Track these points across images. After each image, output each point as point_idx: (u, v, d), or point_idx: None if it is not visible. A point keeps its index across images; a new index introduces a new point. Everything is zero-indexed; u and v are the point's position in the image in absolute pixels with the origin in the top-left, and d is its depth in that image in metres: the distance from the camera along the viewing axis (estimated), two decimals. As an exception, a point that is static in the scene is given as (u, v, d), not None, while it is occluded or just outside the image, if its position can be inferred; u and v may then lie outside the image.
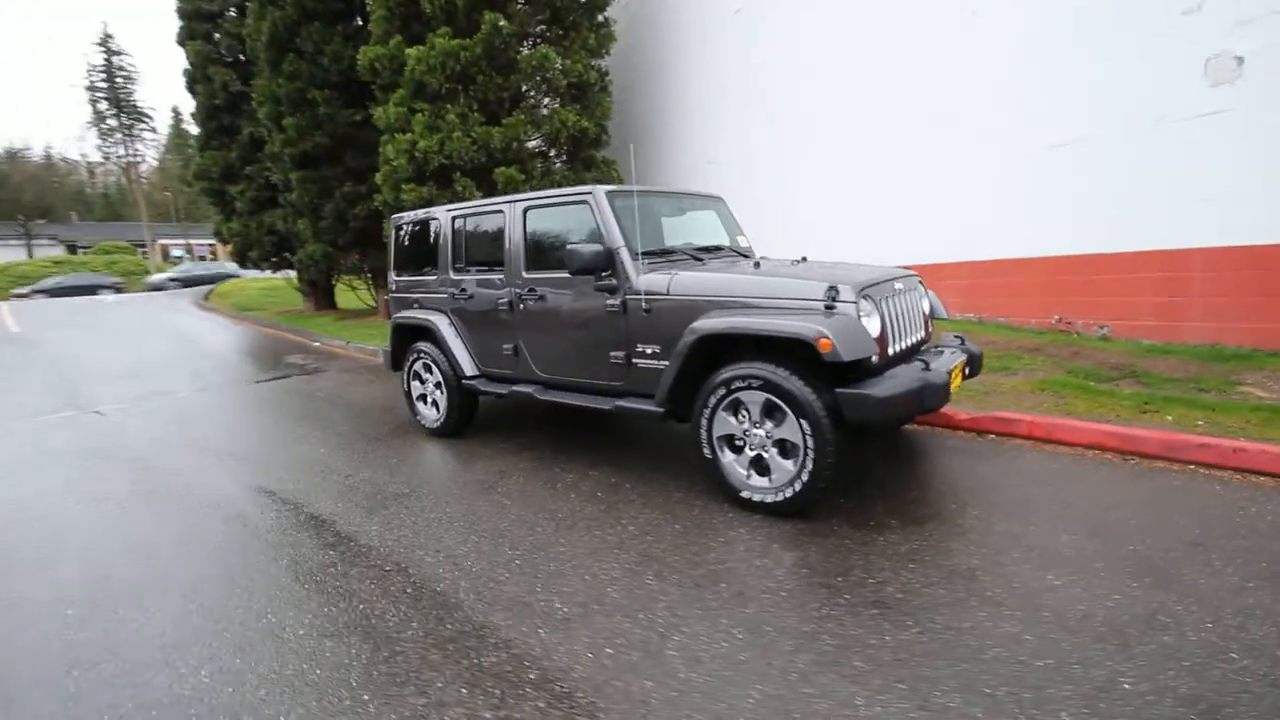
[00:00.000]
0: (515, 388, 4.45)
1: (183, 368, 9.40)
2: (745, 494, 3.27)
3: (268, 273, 17.55)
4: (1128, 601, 2.33)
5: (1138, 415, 4.21)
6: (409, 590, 2.72)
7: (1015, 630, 2.19)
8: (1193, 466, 3.56)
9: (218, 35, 15.78)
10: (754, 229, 5.58)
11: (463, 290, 4.76)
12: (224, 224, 16.44)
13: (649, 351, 3.72)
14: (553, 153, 10.68)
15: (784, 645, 2.19)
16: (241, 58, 15.57)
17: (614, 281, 3.78)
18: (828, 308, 3.10)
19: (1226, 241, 5.07)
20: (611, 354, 3.89)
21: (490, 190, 10.47)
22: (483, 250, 4.69)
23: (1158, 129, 5.38)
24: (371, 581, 2.81)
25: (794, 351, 3.14)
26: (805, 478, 3.04)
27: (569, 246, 3.77)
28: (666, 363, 3.62)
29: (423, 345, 5.07)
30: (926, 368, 3.19)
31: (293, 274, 16.47)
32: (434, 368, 5.00)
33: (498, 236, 4.52)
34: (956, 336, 4.07)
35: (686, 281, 3.57)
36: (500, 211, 4.49)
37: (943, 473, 3.74)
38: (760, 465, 3.27)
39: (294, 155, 12.64)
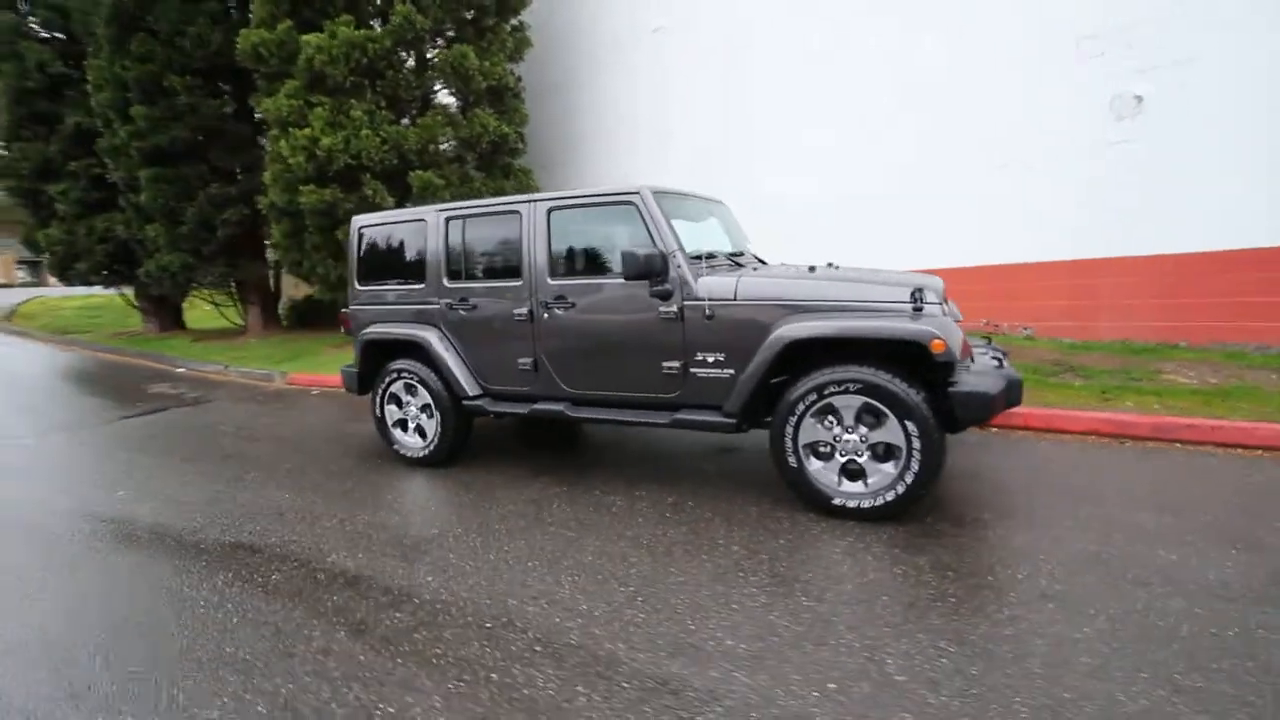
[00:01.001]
0: (537, 406, 4.02)
1: (11, 407, 7.51)
2: (838, 501, 3.19)
3: (90, 288, 14.68)
4: (1243, 566, 2.55)
5: (1104, 402, 4.75)
6: (537, 648, 2.28)
7: (1183, 606, 2.30)
8: (1179, 444, 4.07)
9: (28, 4, 13.01)
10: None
11: (463, 300, 4.22)
12: (39, 230, 13.42)
13: (711, 360, 3.52)
14: (469, 158, 10.02)
15: (1042, 649, 2.11)
16: (62, 35, 12.97)
17: (668, 287, 3.55)
18: (916, 310, 3.13)
19: (1133, 252, 5.95)
20: (664, 364, 3.63)
21: (404, 196, 9.61)
22: (489, 256, 4.20)
23: (1074, 154, 6.21)
24: (481, 643, 2.32)
25: (887, 354, 3.13)
26: (909, 480, 3.02)
27: (625, 250, 3.47)
28: (731, 370, 3.46)
29: (404, 364, 4.43)
30: (1001, 364, 3.32)
31: (129, 290, 13.91)
32: (420, 388, 4.39)
33: (511, 240, 4.07)
34: (982, 338, 4.31)
35: (756, 286, 3.43)
36: (515, 213, 4.04)
37: (984, 467, 3.91)
38: (850, 471, 3.21)
39: (144, 150, 10.72)
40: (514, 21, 10.39)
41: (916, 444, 2.98)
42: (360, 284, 4.73)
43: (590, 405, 3.91)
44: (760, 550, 2.95)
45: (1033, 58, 6.42)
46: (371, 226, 4.69)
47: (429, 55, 9.85)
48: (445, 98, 10.46)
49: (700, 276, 3.52)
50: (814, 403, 3.16)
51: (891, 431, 3.05)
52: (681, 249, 3.55)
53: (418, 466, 4.50)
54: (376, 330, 4.54)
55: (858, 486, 3.18)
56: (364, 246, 4.71)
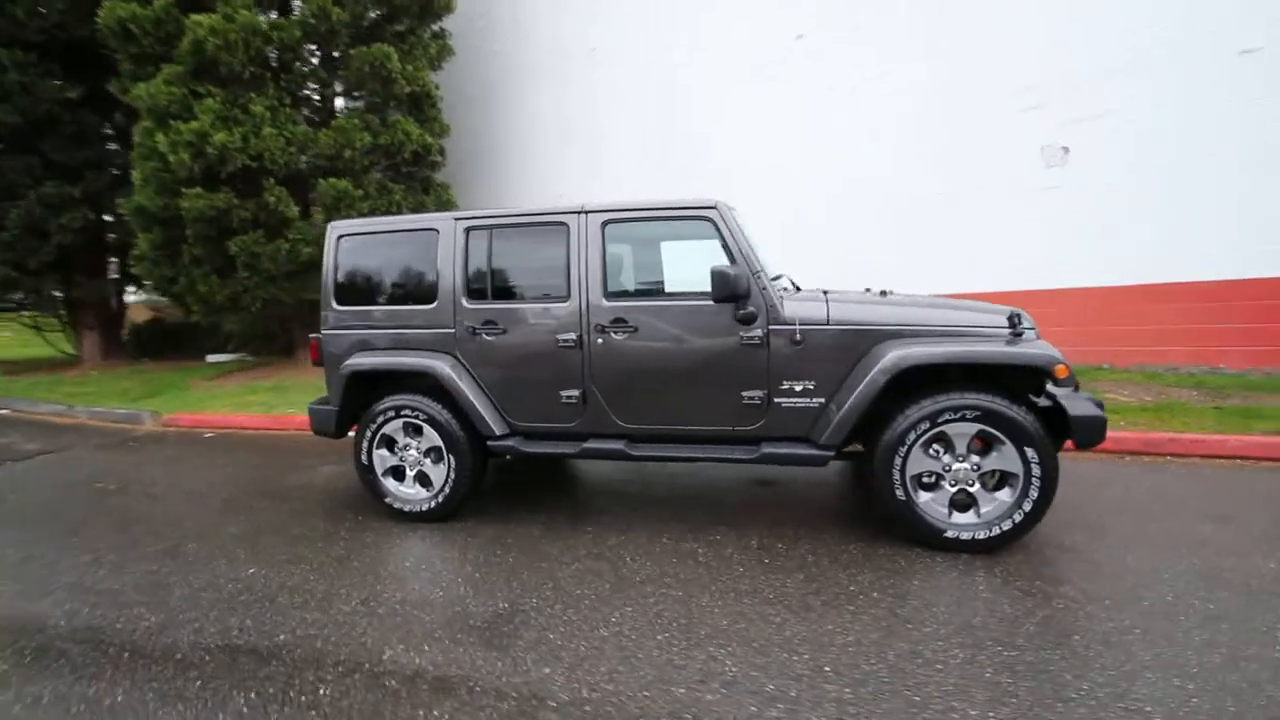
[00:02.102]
0: (588, 445, 3.50)
1: None
2: (951, 534, 3.04)
3: None
4: (1337, 573, 2.76)
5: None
6: (760, 750, 1.84)
7: (1334, 619, 2.41)
8: (1168, 457, 4.47)
9: None
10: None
11: (488, 324, 3.61)
12: None
13: (799, 389, 3.27)
14: (385, 167, 9.07)
15: None
16: None
17: (753, 309, 3.26)
18: (1016, 334, 3.12)
19: (1062, 284, 6.64)
20: (745, 394, 3.31)
21: (311, 206, 8.43)
22: (525, 273, 3.64)
23: (1009, 194, 6.85)
24: (683, 754, 1.84)
25: (995, 379, 3.08)
26: (1027, 508, 2.95)
27: (717, 268, 3.14)
28: (820, 399, 3.24)
29: (406, 400, 3.69)
30: (1076, 390, 3.41)
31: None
32: (427, 428, 3.67)
33: (554, 256, 3.55)
34: None
35: (849, 310, 3.25)
36: (561, 225, 3.53)
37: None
38: (956, 502, 3.10)
39: (-54, 134, 8.48)
40: (435, 28, 9.69)
41: (1036, 471, 2.93)
42: (339, 304, 3.90)
43: (651, 442, 3.49)
44: (904, 593, 2.71)
45: (976, 107, 7.05)
46: (357, 236, 3.91)
47: (335, 54, 8.81)
48: (350, 102, 9.43)
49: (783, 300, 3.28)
50: (926, 431, 3.02)
51: (1007, 459, 2.97)
52: (764, 269, 3.30)
53: (416, 522, 3.75)
54: (367, 360, 3.75)
55: (969, 517, 3.07)
56: (345, 259, 3.91)
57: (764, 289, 3.26)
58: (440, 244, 3.70)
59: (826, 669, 2.21)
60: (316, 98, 8.79)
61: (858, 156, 7.76)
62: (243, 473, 5.10)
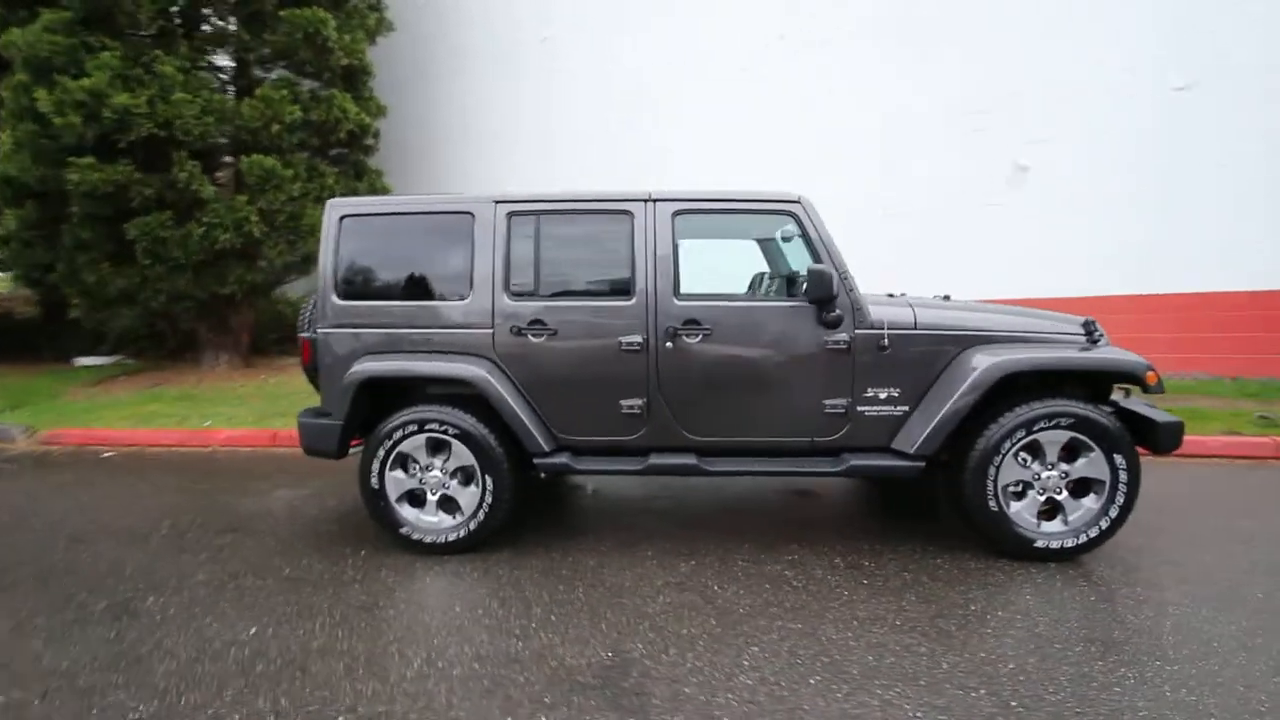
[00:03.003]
0: (654, 461, 3.13)
1: None
2: (1041, 543, 2.98)
3: None
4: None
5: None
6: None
7: None
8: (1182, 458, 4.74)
9: None
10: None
11: (535, 324, 3.14)
12: None
13: (884, 396, 3.10)
14: (315, 146, 8.08)
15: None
16: None
17: (840, 313, 3.05)
18: (1093, 340, 3.12)
19: (1023, 295, 7.06)
20: (827, 402, 3.10)
21: (232, 184, 7.31)
22: (580, 267, 3.21)
23: (977, 209, 7.20)
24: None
25: (1055, 384, 3.07)
26: (1114, 514, 2.95)
27: (814, 267, 2.90)
28: (905, 407, 3.10)
29: (429, 412, 3.13)
30: (1127, 395, 3.49)
31: None
32: (456, 444, 3.14)
33: (616, 248, 3.15)
34: None
35: (935, 315, 3.12)
36: (624, 213, 3.13)
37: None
38: (1045, 510, 3.05)
39: None
40: (375, -1, 8.79)
41: (1123, 477, 2.93)
42: (341, 298, 3.26)
43: (723, 454, 3.18)
44: (1025, 609, 2.58)
45: (934, 126, 7.36)
46: (365, 217, 3.29)
47: (260, 14, 7.73)
48: (277, 72, 8.33)
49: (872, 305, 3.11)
50: (1021, 439, 2.95)
51: (1095, 465, 2.95)
52: (848, 270, 3.11)
53: (436, 554, 3.20)
54: (388, 365, 3.15)
55: (1057, 525, 3.02)
56: (349, 244, 3.28)
57: (851, 290, 3.06)
58: (476, 230, 3.18)
59: (1014, 704, 2.02)
60: (234, 63, 7.65)
61: (820, 168, 7.88)
62: (177, 501, 4.20)
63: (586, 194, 3.19)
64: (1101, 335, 3.16)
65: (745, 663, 2.27)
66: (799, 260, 3.68)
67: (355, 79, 8.37)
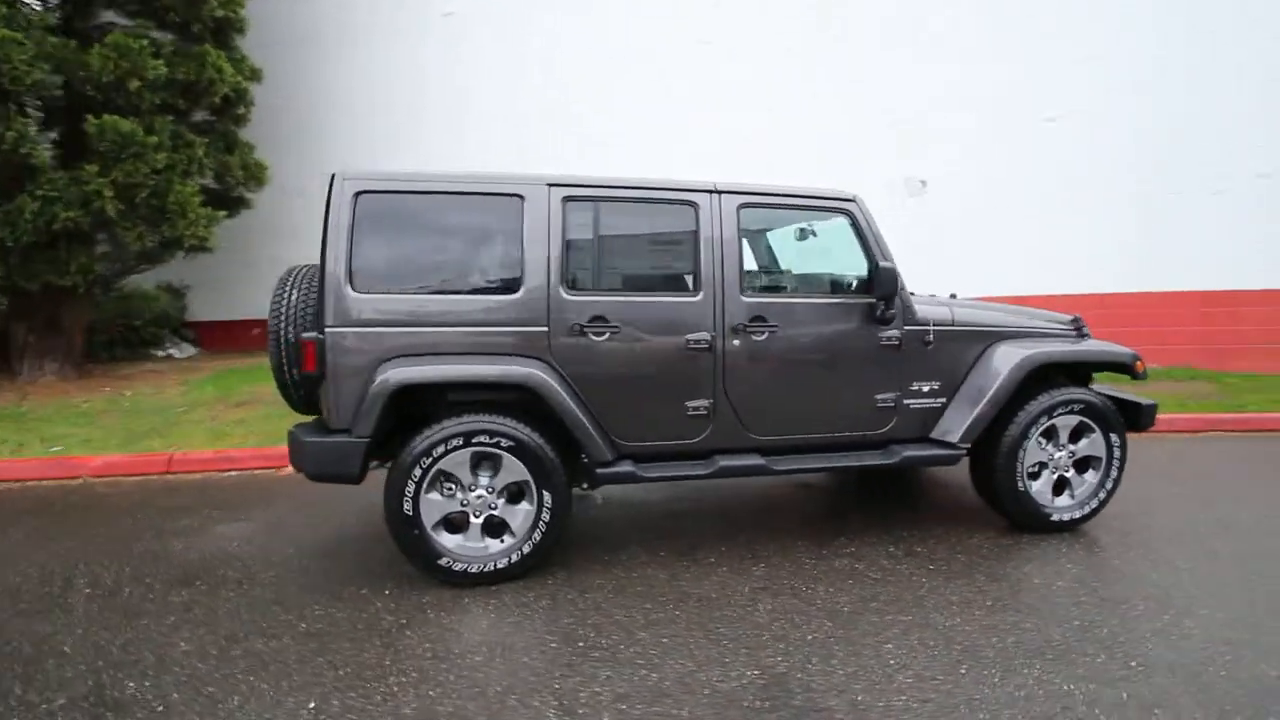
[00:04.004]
0: (725, 463, 3.00)
1: None
2: (1056, 517, 3.32)
3: None
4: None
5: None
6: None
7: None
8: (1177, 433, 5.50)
9: None
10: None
11: (596, 321, 2.85)
12: None
13: (926, 389, 3.26)
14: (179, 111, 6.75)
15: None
16: None
17: (894, 310, 3.15)
18: (1081, 335, 3.55)
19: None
20: (879, 396, 3.19)
21: (76, 150, 5.82)
22: (639, 259, 2.98)
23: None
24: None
25: (1076, 375, 3.46)
26: (1110, 486, 3.37)
27: (885, 265, 2.96)
28: (943, 399, 3.30)
29: (479, 423, 2.71)
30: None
31: None
32: (508, 459, 2.76)
33: (680, 240, 2.96)
34: None
35: (968, 313, 3.36)
36: (689, 204, 2.95)
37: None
38: (1056, 486, 3.39)
39: None
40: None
41: (1117, 454, 3.36)
42: (359, 289, 2.72)
43: (784, 453, 3.14)
44: (1083, 579, 2.86)
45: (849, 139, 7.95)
46: (387, 195, 2.76)
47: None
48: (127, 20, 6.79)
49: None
50: (1043, 425, 3.26)
51: (1095, 445, 3.35)
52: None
53: (483, 586, 2.80)
54: (423, 370, 2.67)
55: (1065, 499, 3.39)
56: (368, 227, 2.74)
57: (902, 289, 3.18)
58: (527, 216, 2.82)
59: (1132, 663, 2.22)
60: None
61: (733, 162, 8.16)
62: (78, 551, 3.26)
63: (649, 182, 2.98)
64: (1087, 330, 3.61)
65: (892, 661, 2.26)
66: (787, 258, 3.78)
67: (226, 35, 7.08)
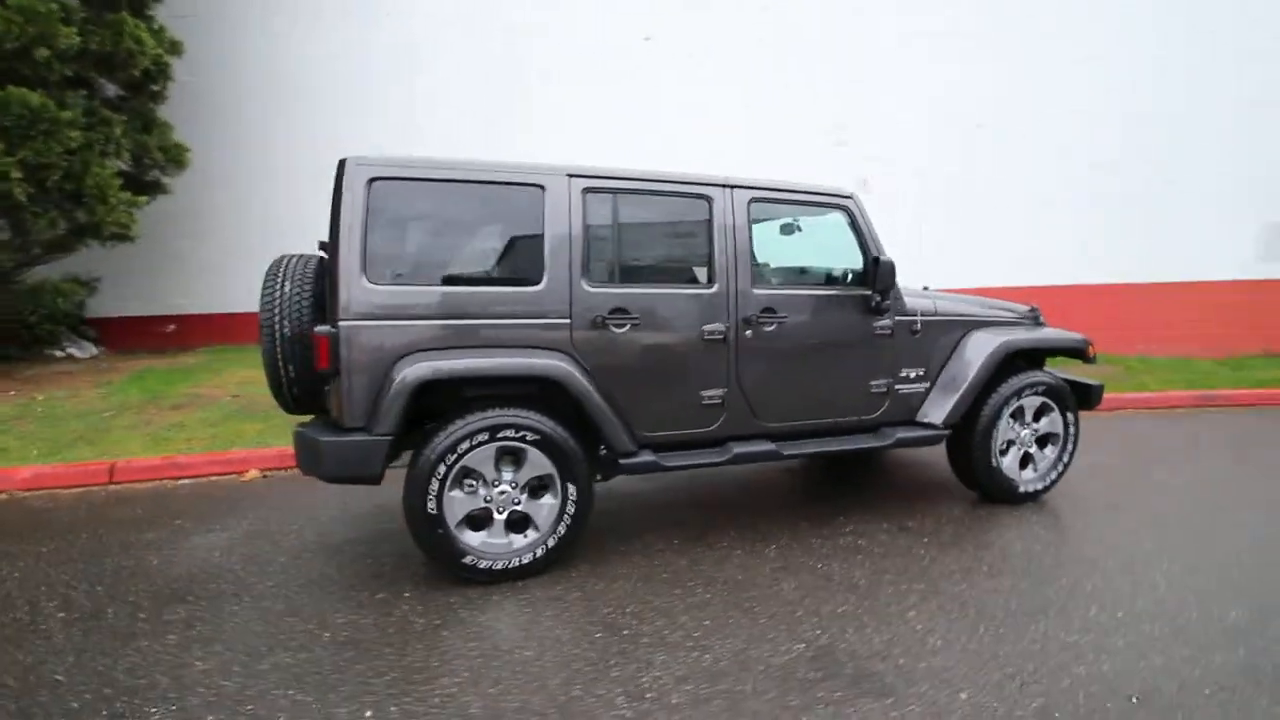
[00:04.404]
0: (737, 450, 3.09)
1: None
2: (1023, 489, 3.66)
3: None
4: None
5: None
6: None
7: None
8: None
9: None
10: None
11: (616, 313, 2.85)
12: None
13: (913, 375, 3.49)
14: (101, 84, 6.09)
15: None
16: None
17: (888, 301, 3.35)
18: (1038, 323, 3.90)
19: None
20: (873, 383, 3.39)
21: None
22: (656, 251, 3.00)
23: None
24: None
25: (1032, 359, 3.80)
26: (1066, 460, 3.75)
27: (883, 258, 3.13)
28: (927, 384, 3.55)
29: (504, 417, 2.66)
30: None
31: None
32: (532, 453, 2.73)
33: (695, 233, 3.01)
34: None
35: (947, 304, 3.62)
36: (703, 198, 3.00)
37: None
38: (1021, 461, 3.72)
39: None
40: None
41: (1072, 431, 3.74)
42: (374, 280, 2.59)
43: (790, 439, 3.27)
44: (1051, 541, 3.18)
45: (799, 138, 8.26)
46: (401, 182, 2.64)
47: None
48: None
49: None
50: (1013, 405, 3.57)
51: (1055, 423, 3.71)
52: (886, 262, 3.43)
53: (507, 582, 2.76)
54: (448, 364, 2.59)
55: (1029, 473, 3.73)
56: (382, 215, 2.61)
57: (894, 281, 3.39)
58: (548, 206, 2.79)
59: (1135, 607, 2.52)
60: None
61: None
62: (28, 571, 2.92)
63: (665, 175, 3.01)
64: (1043, 318, 3.98)
65: (918, 627, 2.44)
66: (784, 252, 3.94)
67: (143, 2, 6.41)
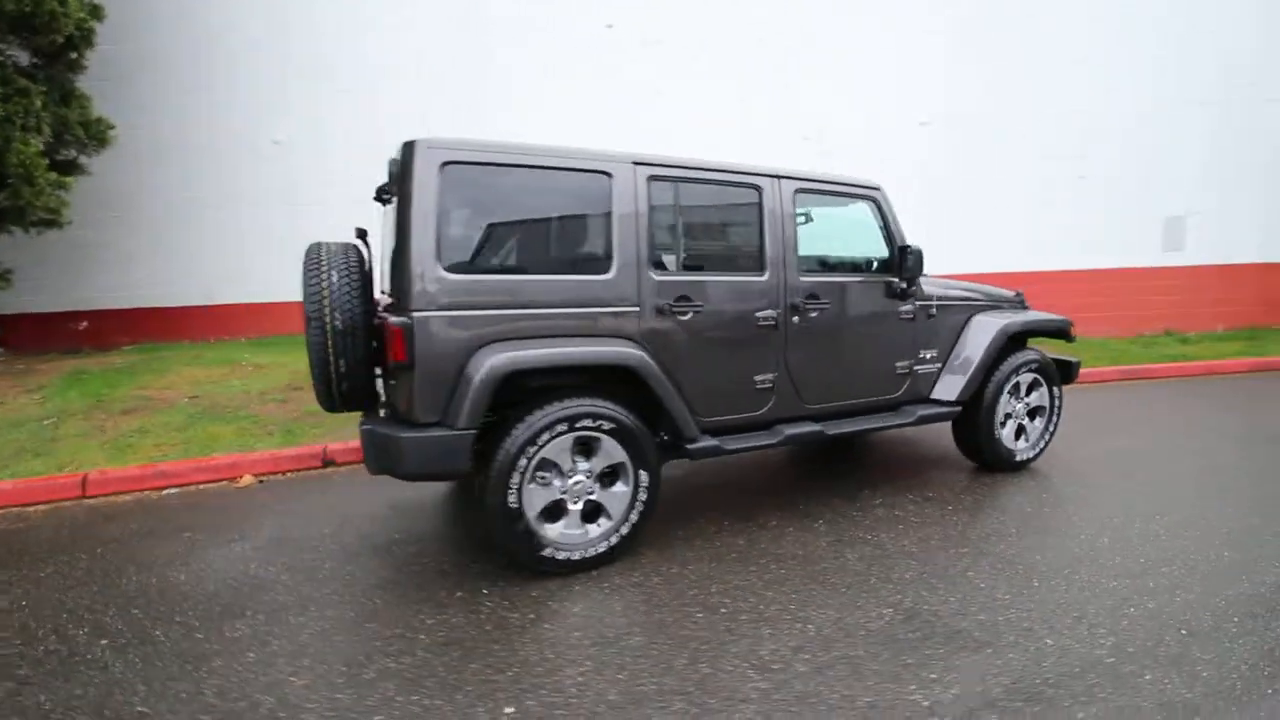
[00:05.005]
0: (791, 432, 3.20)
1: None
2: (1019, 457, 4.01)
3: None
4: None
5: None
6: (1241, 622, 2.34)
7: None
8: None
9: None
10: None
11: (681, 301, 2.88)
12: None
13: (929, 356, 3.75)
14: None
15: None
16: None
17: (913, 288, 3.57)
18: (1023, 305, 4.27)
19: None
20: (898, 364, 3.62)
21: None
22: (716, 241, 3.03)
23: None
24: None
25: (1019, 338, 4.15)
26: (1052, 431, 4.14)
27: (913, 247, 3.33)
28: (939, 365, 3.82)
29: (582, 406, 2.64)
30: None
31: None
32: (606, 442, 2.73)
33: (747, 222, 3.08)
34: None
35: (956, 288, 3.89)
36: (754, 188, 3.07)
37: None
38: (1015, 433, 4.08)
39: None
40: None
41: (1058, 404, 4.14)
42: (449, 269, 2.48)
43: (829, 419, 3.43)
44: (1055, 500, 3.53)
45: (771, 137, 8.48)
46: (473, 166, 2.53)
47: None
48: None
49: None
50: (1013, 381, 3.91)
51: (1043, 396, 4.10)
52: (904, 250, 3.64)
53: (580, 572, 2.75)
54: (530, 354, 2.53)
55: (1022, 443, 4.09)
56: (455, 201, 2.51)
57: (915, 268, 3.61)
58: (615, 193, 2.77)
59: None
60: None
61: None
62: (34, 599, 2.61)
63: (720, 165, 3.06)
64: (1026, 302, 4.36)
65: (982, 585, 2.67)
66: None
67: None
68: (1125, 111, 8.79)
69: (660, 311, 2.88)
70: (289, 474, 4.19)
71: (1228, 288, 8.74)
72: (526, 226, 2.76)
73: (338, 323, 2.68)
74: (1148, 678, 2.08)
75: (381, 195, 3.17)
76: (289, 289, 8.34)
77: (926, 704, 1.97)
